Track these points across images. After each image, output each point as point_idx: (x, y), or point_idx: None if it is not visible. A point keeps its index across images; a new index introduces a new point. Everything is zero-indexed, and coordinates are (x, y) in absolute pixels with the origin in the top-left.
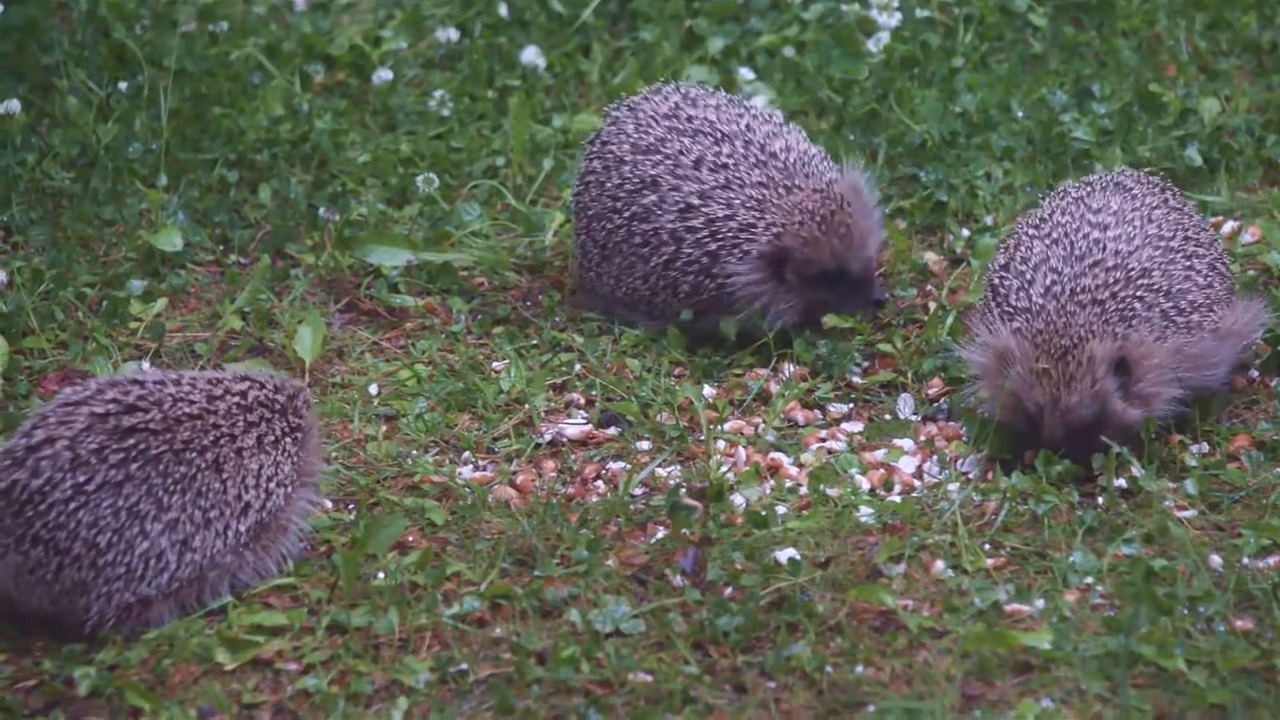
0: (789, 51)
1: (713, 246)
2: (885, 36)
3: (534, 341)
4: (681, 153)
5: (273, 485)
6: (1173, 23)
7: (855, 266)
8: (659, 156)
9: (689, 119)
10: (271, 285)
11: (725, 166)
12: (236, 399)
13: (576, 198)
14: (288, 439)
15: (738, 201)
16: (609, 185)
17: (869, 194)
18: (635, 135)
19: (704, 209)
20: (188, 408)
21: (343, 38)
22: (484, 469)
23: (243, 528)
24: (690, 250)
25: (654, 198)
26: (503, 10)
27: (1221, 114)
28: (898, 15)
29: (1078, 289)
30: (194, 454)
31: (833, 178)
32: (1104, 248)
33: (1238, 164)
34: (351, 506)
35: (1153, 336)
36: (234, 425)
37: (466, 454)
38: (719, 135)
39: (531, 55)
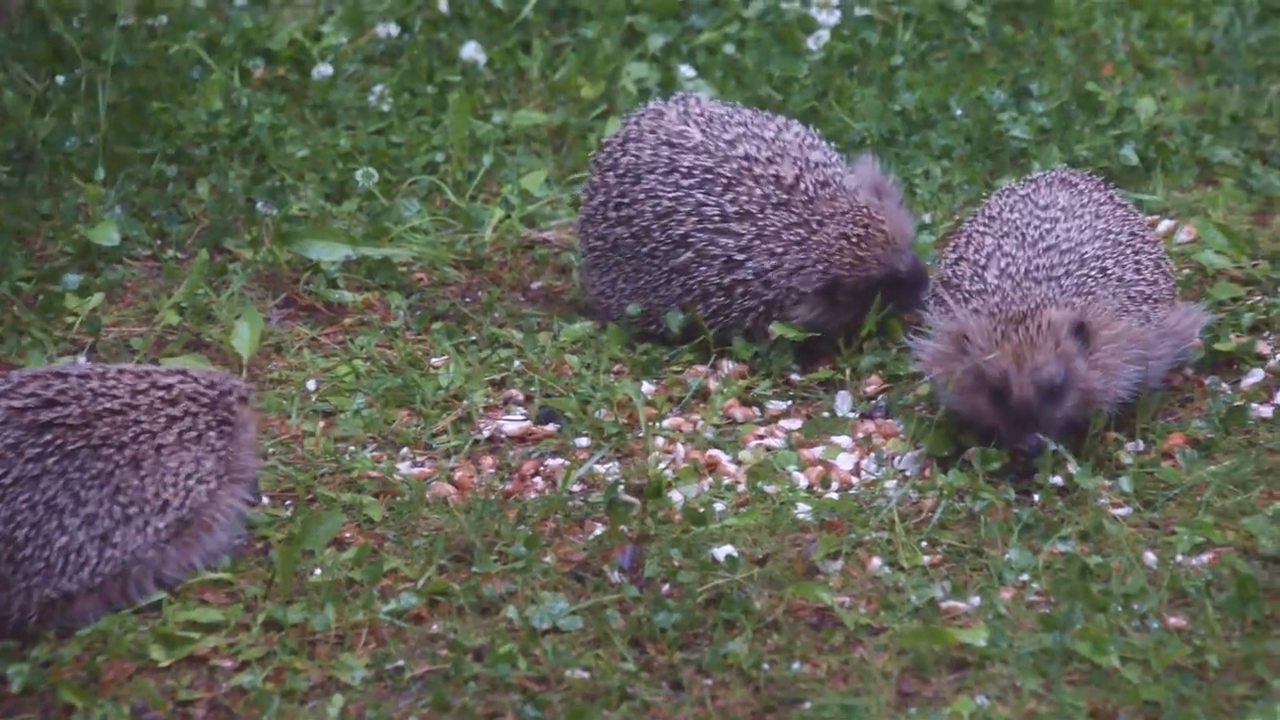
0: (729, 49)
1: (769, 295)
2: (825, 34)
3: (473, 338)
4: (704, 205)
5: (192, 482)
6: (1110, 22)
7: (903, 266)
8: (682, 215)
9: (688, 170)
10: (209, 280)
11: (750, 215)
12: (161, 394)
13: (595, 236)
14: (212, 434)
15: (779, 250)
16: (641, 244)
17: (888, 184)
18: (650, 199)
19: (749, 263)
20: (109, 403)
21: (282, 32)
22: (422, 465)
23: (162, 524)
24: (743, 300)
25: (691, 255)
26: (443, 6)
27: (1157, 113)
28: (837, 13)
29: (1033, 268)
30: (111, 449)
31: (853, 185)
32: (1056, 235)
33: (1173, 163)
34: (289, 502)
35: (1111, 309)
36: (155, 421)
37: (404, 450)
38: (725, 181)
39: (472, 51)
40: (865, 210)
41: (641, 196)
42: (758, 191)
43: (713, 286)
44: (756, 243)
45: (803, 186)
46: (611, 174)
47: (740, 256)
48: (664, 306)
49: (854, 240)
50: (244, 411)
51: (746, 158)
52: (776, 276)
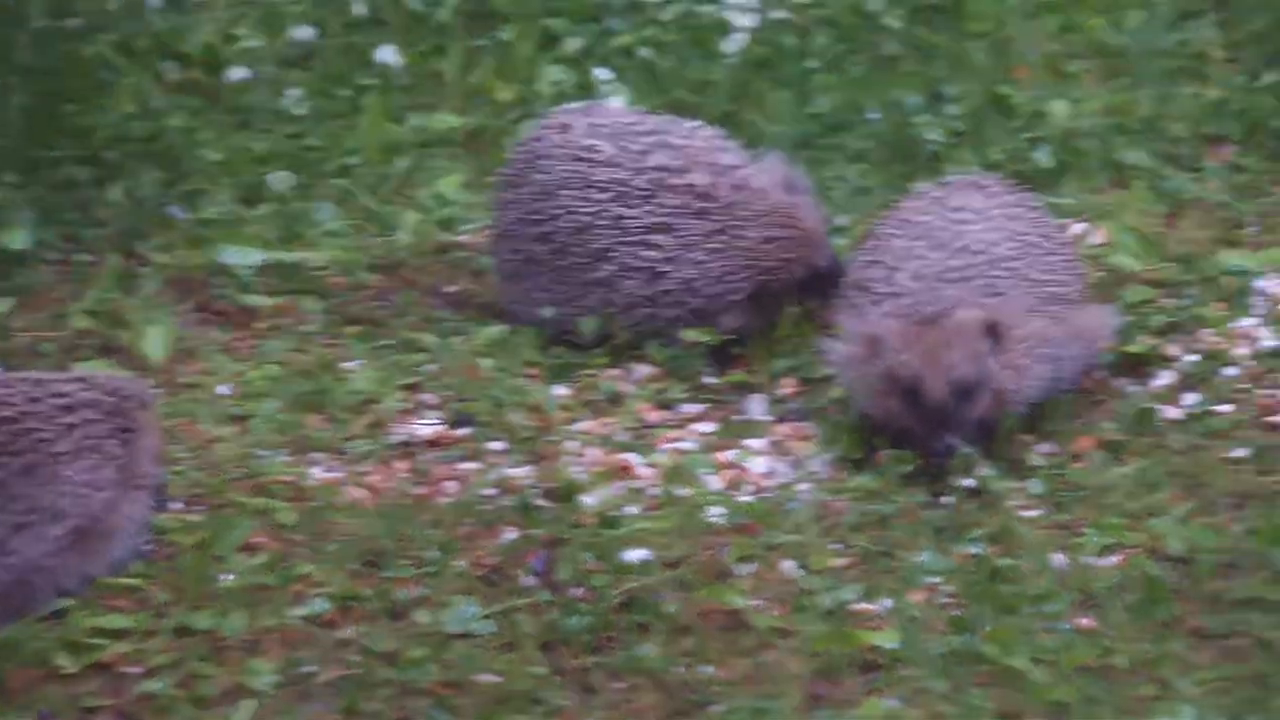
0: (646, 52)
1: (695, 304)
2: (741, 38)
3: (387, 342)
4: (623, 218)
5: (90, 491)
6: (1024, 25)
7: (824, 262)
8: (600, 229)
9: (603, 185)
10: (121, 284)
11: (670, 226)
12: (57, 401)
13: (509, 250)
14: (111, 441)
15: (703, 259)
16: (559, 258)
17: (797, 180)
18: (566, 215)
19: (673, 274)
20: (3, 411)
21: (196, 35)
22: (334, 470)
23: (59, 533)
24: (669, 310)
25: (614, 268)
26: (359, 8)
27: (1071, 116)
28: (753, 16)
29: (944, 270)
30: (5, 458)
31: (764, 184)
32: (968, 238)
33: (1086, 166)
34: (199, 507)
35: (1022, 309)
36: (51, 429)
37: (317, 455)
38: (642, 193)
39: (388, 54)
40: (782, 210)
41: (558, 212)
42: (675, 201)
43: (637, 298)
44: (680, 252)
45: (719, 194)
46: (524, 190)
47: (665, 268)
48: (583, 314)
49: (776, 243)
50: (144, 418)
51: (660, 168)
52: (702, 285)
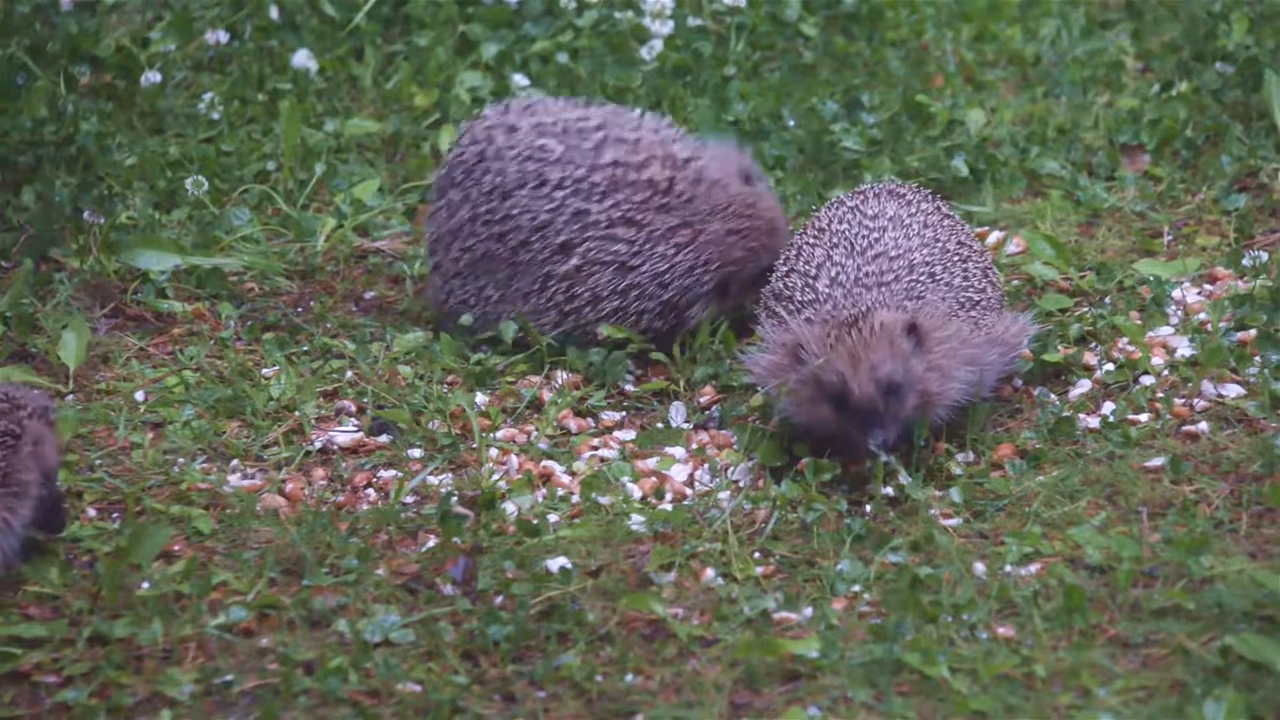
0: (563, 58)
1: (665, 296)
2: (658, 44)
3: (305, 348)
4: (584, 211)
5: None
6: (940, 34)
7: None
8: (561, 224)
9: (559, 182)
10: (34, 290)
11: (634, 221)
12: None
13: (459, 248)
14: None
15: (671, 253)
16: (517, 254)
17: (752, 168)
18: (524, 214)
19: (644, 267)
20: None
21: (110, 39)
22: (252, 477)
23: None
24: (639, 303)
25: (578, 261)
26: (274, 13)
27: (987, 125)
28: (671, 23)
29: (862, 275)
30: None
31: (721, 175)
32: (885, 244)
33: (1002, 175)
34: (116, 515)
35: (942, 311)
36: None
37: (235, 461)
38: (601, 190)
39: (303, 59)
40: (742, 201)
41: (516, 212)
42: (637, 197)
43: (606, 291)
44: (647, 246)
45: (678, 189)
46: (475, 190)
47: (634, 261)
48: (538, 311)
49: (740, 234)
50: (33, 426)
51: (616, 164)
52: (672, 278)
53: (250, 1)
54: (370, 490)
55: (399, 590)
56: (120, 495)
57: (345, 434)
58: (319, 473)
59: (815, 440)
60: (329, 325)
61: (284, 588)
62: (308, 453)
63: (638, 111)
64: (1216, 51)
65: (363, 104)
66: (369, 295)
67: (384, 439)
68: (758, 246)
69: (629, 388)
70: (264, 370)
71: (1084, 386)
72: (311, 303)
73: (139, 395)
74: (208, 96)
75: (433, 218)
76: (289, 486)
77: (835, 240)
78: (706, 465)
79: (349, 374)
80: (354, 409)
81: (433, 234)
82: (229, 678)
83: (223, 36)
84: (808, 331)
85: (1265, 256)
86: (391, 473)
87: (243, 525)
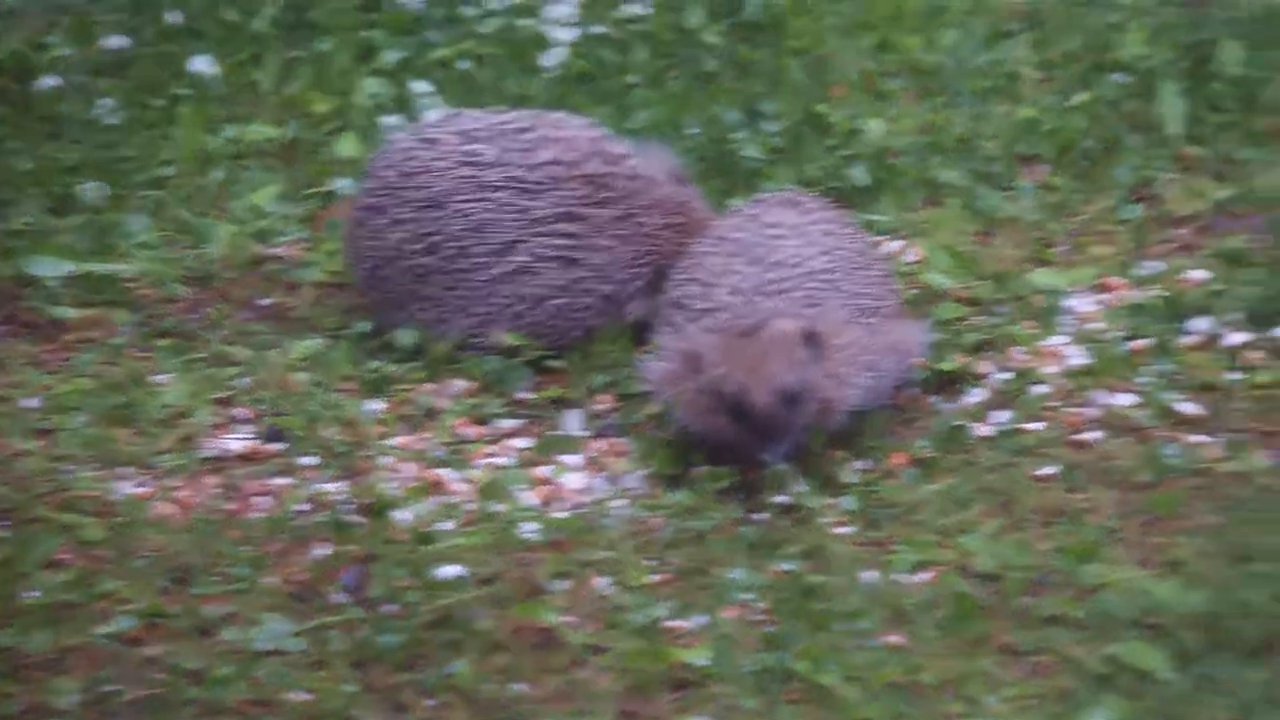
0: (465, 65)
1: (606, 290)
2: (560, 51)
3: (200, 355)
4: (527, 208)
5: None
6: (841, 44)
7: None
8: (503, 223)
9: (497, 184)
10: None
11: (576, 215)
12: None
13: (399, 272)
14: None
15: (612, 245)
16: (455, 263)
17: (682, 171)
18: (460, 219)
19: (587, 260)
20: None
21: (6, 43)
22: (144, 485)
23: None
24: (584, 298)
25: (527, 257)
26: (173, 17)
27: (887, 135)
28: (573, 31)
29: (761, 284)
30: None
31: (658, 176)
32: (783, 252)
33: (902, 184)
34: (3, 523)
35: (840, 319)
36: None
37: (126, 469)
38: (541, 188)
39: (203, 64)
40: (675, 199)
41: (450, 220)
42: (578, 193)
43: (549, 289)
44: (591, 238)
45: (617, 183)
46: (404, 210)
47: (578, 255)
48: (484, 321)
49: (676, 228)
50: None
51: (555, 162)
52: (613, 271)
53: (150, 6)
54: (263, 498)
55: (289, 598)
56: (9, 503)
57: (239, 441)
58: (211, 480)
59: (711, 449)
60: (224, 332)
61: (173, 596)
62: (200, 460)
63: (561, 114)
64: (1114, 62)
65: (263, 110)
66: (266, 302)
67: (278, 446)
68: (689, 243)
69: (526, 395)
70: (157, 377)
71: (978, 395)
72: (207, 309)
73: (30, 402)
74: (105, 101)
75: (360, 253)
76: (180, 494)
77: (733, 249)
78: (602, 473)
79: (244, 381)
80: (248, 416)
81: (362, 271)
82: (116, 687)
83: (121, 40)
84: (706, 341)
85: (1159, 266)
86: (284, 480)
87: (132, 533)
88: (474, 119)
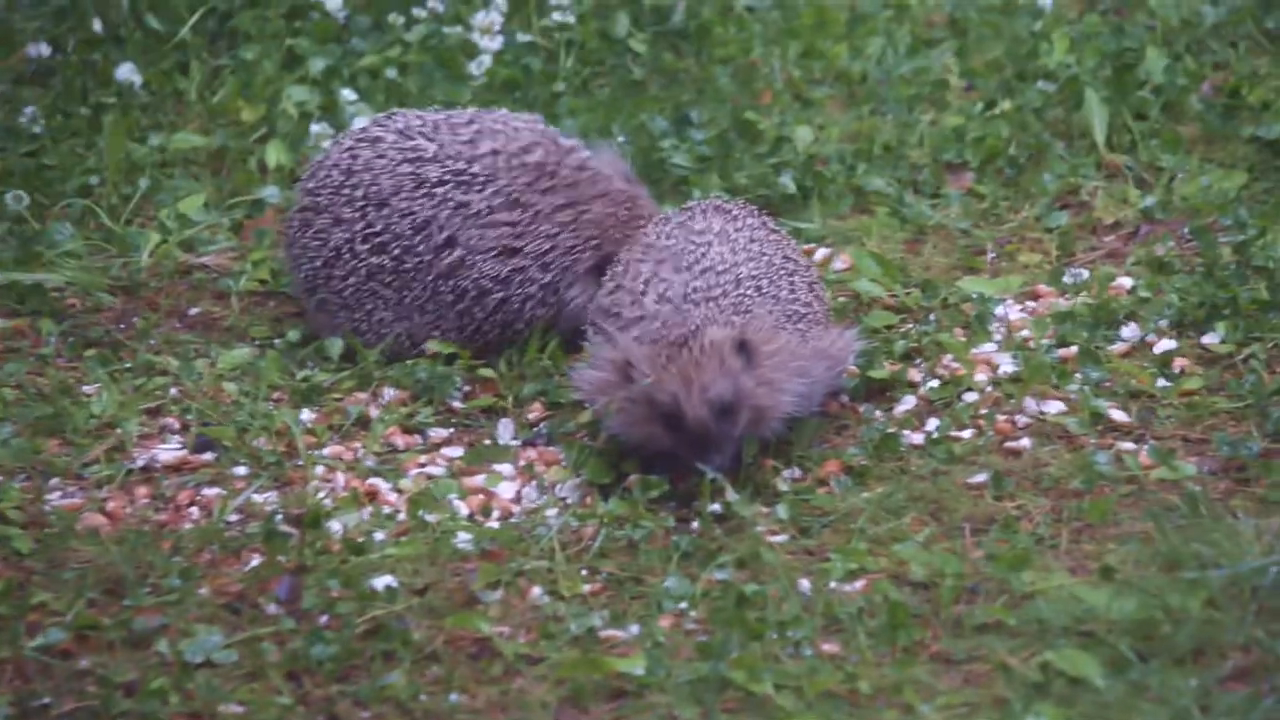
0: (391, 73)
1: (546, 279)
2: (487, 60)
3: (128, 364)
4: (465, 204)
5: None
6: (768, 51)
7: None
8: (444, 219)
9: (439, 179)
10: None
11: (519, 202)
12: None
13: (342, 275)
14: None
15: (554, 231)
16: (402, 263)
17: (631, 172)
18: (404, 217)
19: (526, 248)
20: None
21: None
22: (73, 495)
23: None
24: (523, 288)
25: (461, 252)
26: (97, 26)
27: (814, 142)
28: (499, 39)
29: (690, 291)
30: None
31: (608, 172)
32: (711, 258)
33: (829, 192)
34: None
35: (770, 325)
36: None
37: (55, 480)
38: (483, 178)
39: (127, 72)
40: (623, 193)
41: (395, 218)
42: (522, 179)
43: (488, 282)
44: (531, 226)
45: (563, 172)
46: (347, 209)
47: (517, 243)
48: (435, 318)
49: (620, 220)
50: None
51: (494, 152)
52: (553, 258)
53: (73, 14)
54: (193, 508)
55: (222, 610)
56: None
57: (168, 451)
58: (141, 491)
59: (644, 457)
60: (153, 342)
61: (104, 608)
62: (130, 471)
63: (503, 110)
64: (1038, 70)
65: (188, 118)
66: (194, 311)
67: (208, 456)
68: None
69: (457, 404)
70: (85, 387)
71: (909, 403)
72: (135, 319)
73: None
74: (29, 110)
75: (301, 255)
76: (110, 505)
77: (662, 256)
78: (534, 482)
79: (173, 391)
80: (178, 426)
81: (308, 270)
82: (46, 700)
83: (44, 49)
84: (637, 349)
85: (1086, 274)
86: (215, 490)
87: (62, 545)
88: (417, 115)
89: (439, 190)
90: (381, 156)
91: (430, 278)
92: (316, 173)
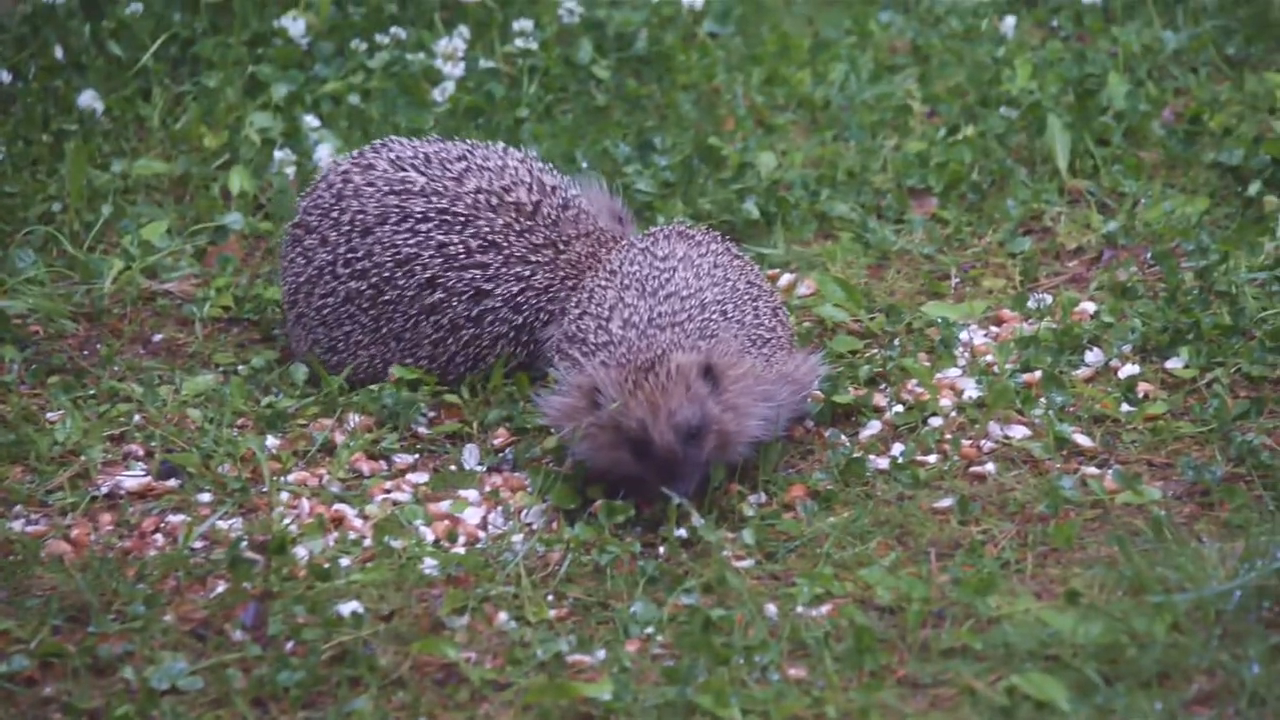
0: (354, 99)
1: (518, 320)
2: (450, 86)
3: (91, 391)
4: (445, 246)
5: None
6: (731, 78)
7: None
8: (425, 259)
9: (423, 215)
10: None
11: (495, 244)
12: None
13: (321, 294)
14: None
15: (527, 273)
16: (381, 293)
17: (622, 209)
18: (387, 249)
19: (497, 290)
20: None
21: None
22: (37, 522)
23: None
24: (493, 328)
25: (441, 294)
26: (59, 52)
27: (778, 168)
28: (462, 65)
29: (655, 316)
30: None
31: (595, 212)
32: (676, 283)
33: (793, 217)
34: None
35: (735, 349)
36: None
37: (18, 507)
38: (463, 219)
39: (89, 99)
40: (609, 234)
41: (377, 249)
42: (499, 221)
43: (462, 319)
44: (504, 269)
45: (545, 211)
46: (334, 232)
47: (488, 285)
48: (411, 348)
49: (601, 258)
50: None
51: (479, 191)
52: (525, 299)
53: (34, 41)
54: (158, 535)
55: (187, 636)
56: None
57: (133, 478)
58: (105, 518)
59: (609, 482)
60: (116, 368)
61: (68, 635)
62: (94, 498)
63: (501, 145)
64: (1001, 96)
65: (150, 145)
66: (157, 338)
67: (172, 483)
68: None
69: (422, 430)
70: (49, 414)
71: (874, 428)
72: (98, 346)
73: None
74: None
75: (288, 269)
76: (74, 532)
77: (627, 282)
78: (500, 508)
79: (137, 417)
80: (142, 453)
81: (290, 285)
82: None
83: (5, 76)
84: (604, 374)
85: (1050, 299)
86: (180, 517)
87: (26, 572)
88: (411, 146)
89: (422, 228)
90: (371, 185)
91: (412, 311)
92: (312, 192)
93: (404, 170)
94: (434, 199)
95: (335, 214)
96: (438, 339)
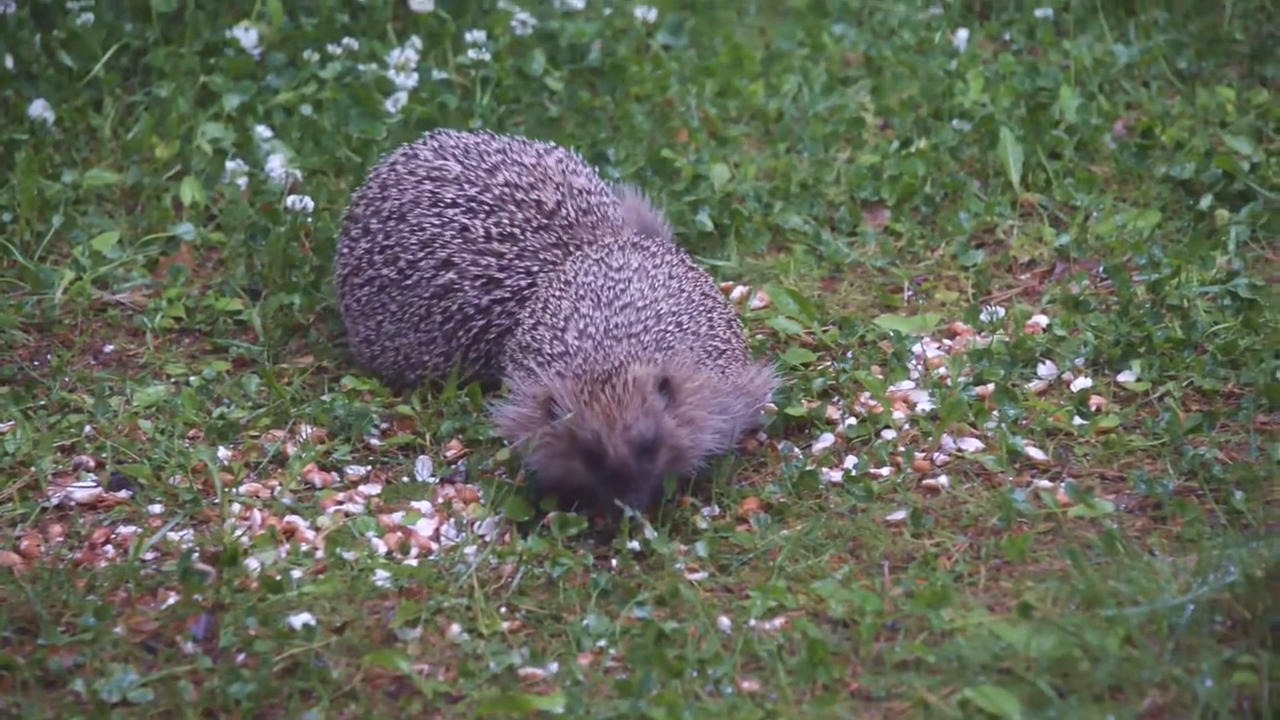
0: (307, 110)
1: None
2: (403, 97)
3: (42, 402)
4: (467, 229)
5: None
6: (684, 89)
7: None
8: (446, 238)
9: (452, 200)
10: None
11: (512, 236)
12: None
13: (360, 284)
14: None
15: (536, 269)
16: (406, 276)
17: (657, 222)
18: (415, 232)
19: (507, 281)
20: None
21: None
22: None
23: None
24: (500, 320)
25: (454, 275)
26: (9, 62)
27: (731, 180)
28: (415, 76)
29: (611, 327)
30: None
31: (619, 219)
32: (631, 294)
33: (746, 230)
34: None
35: (691, 361)
36: None
37: None
38: (488, 207)
39: (40, 109)
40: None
41: (406, 231)
42: (520, 216)
43: (471, 309)
44: (516, 262)
45: (564, 212)
46: (375, 220)
47: (500, 275)
48: (428, 341)
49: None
50: None
51: (508, 184)
52: (529, 295)
53: None
54: (109, 547)
55: (138, 649)
56: None
57: (83, 489)
58: (56, 529)
59: (562, 495)
60: (67, 379)
61: (18, 647)
62: (44, 509)
63: (549, 144)
64: (953, 109)
65: (102, 155)
66: (108, 348)
67: (123, 494)
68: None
69: (375, 441)
70: None
71: (827, 440)
72: (49, 356)
73: None
74: None
75: (337, 261)
76: (24, 544)
77: (582, 292)
78: (452, 520)
79: (88, 428)
80: (92, 464)
81: (339, 278)
82: None
83: None
84: (560, 385)
85: (1002, 312)
86: (131, 529)
87: None
88: (457, 136)
89: (449, 211)
90: (413, 173)
91: (427, 295)
92: (365, 184)
93: (444, 159)
94: (466, 187)
95: (378, 203)
96: (450, 330)
